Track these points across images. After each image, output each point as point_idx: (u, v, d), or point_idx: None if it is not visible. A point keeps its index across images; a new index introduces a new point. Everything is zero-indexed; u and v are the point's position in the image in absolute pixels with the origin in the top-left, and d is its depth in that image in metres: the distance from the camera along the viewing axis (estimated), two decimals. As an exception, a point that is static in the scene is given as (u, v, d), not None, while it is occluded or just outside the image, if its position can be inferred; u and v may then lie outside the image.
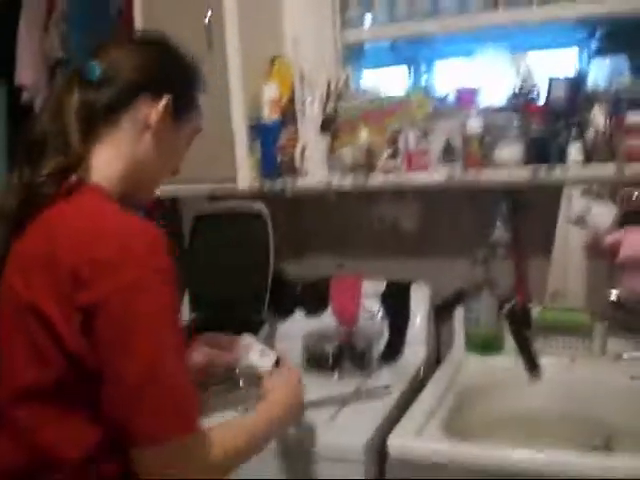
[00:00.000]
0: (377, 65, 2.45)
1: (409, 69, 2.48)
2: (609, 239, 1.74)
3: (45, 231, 1.15)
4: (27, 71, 2.59)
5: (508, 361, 1.92)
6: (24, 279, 1.13)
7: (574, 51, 2.31)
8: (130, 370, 1.06)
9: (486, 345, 1.98)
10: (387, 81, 2.28)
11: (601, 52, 2.04)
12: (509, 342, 1.96)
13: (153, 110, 1.24)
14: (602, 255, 1.79)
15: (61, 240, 1.11)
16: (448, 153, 1.83)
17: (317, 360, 1.88)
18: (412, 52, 2.34)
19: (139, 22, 2.08)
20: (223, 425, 1.22)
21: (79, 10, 2.54)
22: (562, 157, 1.79)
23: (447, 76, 2.25)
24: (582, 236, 1.83)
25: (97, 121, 1.21)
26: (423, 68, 2.37)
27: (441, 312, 2.11)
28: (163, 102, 1.24)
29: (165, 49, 1.30)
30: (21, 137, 1.27)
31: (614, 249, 1.73)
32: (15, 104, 2.67)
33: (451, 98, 2.03)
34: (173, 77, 1.28)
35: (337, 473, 1.51)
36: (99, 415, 1.10)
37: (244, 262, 2.07)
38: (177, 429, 1.08)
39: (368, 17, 2.20)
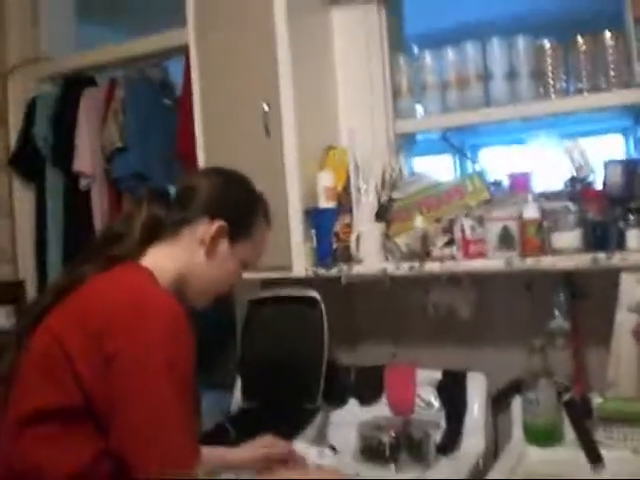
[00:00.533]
0: (428, 153, 2.49)
1: (459, 157, 2.51)
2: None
3: (80, 294, 1.34)
4: (85, 159, 2.67)
5: (569, 453, 1.86)
6: (58, 323, 1.30)
7: (620, 137, 2.33)
8: (138, 415, 1.20)
9: (546, 436, 1.92)
10: (437, 169, 2.29)
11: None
12: (569, 433, 1.90)
13: (209, 230, 1.44)
14: None
15: (93, 299, 1.31)
16: (505, 240, 1.82)
17: (373, 450, 1.84)
18: (463, 141, 2.36)
19: (197, 110, 2.13)
20: None
21: (136, 100, 2.62)
22: (621, 243, 1.77)
23: (498, 164, 2.26)
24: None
25: (161, 231, 1.45)
26: (474, 156, 2.39)
27: (498, 402, 2.06)
28: (217, 224, 1.44)
29: (231, 181, 1.53)
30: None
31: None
32: (72, 191, 2.75)
33: (504, 184, 2.04)
34: (232, 206, 1.48)
35: None
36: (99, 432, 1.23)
37: (298, 349, 2.07)
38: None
39: (419, 107, 2.23)
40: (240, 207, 1.50)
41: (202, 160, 2.16)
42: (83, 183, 2.70)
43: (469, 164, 2.34)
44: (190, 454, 1.23)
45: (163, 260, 1.43)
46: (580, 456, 1.81)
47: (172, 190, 1.51)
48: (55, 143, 2.79)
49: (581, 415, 1.89)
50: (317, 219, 2.00)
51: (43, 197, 2.86)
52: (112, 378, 1.21)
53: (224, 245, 1.46)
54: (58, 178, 2.82)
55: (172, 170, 2.52)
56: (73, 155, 2.70)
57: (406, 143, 2.28)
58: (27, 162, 2.90)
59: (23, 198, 2.99)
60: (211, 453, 1.67)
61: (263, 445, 1.71)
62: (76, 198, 2.74)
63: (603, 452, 1.80)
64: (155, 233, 1.45)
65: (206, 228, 1.44)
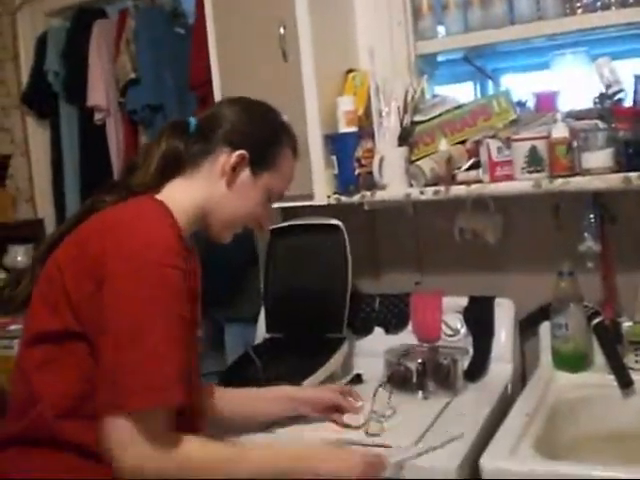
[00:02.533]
0: (450, 81, 2.42)
1: (481, 83, 2.44)
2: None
3: (89, 223, 1.35)
4: (99, 93, 2.64)
5: (598, 377, 1.84)
6: (63, 251, 1.33)
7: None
8: (113, 336, 1.20)
9: (575, 361, 1.90)
10: (460, 95, 2.22)
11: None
12: (598, 358, 1.88)
13: (228, 160, 1.42)
14: None
15: (95, 225, 1.33)
16: (533, 161, 1.76)
17: (400, 378, 1.81)
18: (485, 65, 2.29)
19: (212, 36, 2.07)
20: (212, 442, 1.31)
21: (148, 30, 2.56)
22: (655, 162, 1.72)
23: (522, 87, 2.19)
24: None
25: (181, 163, 1.44)
26: (497, 80, 2.32)
27: (526, 327, 2.03)
28: (237, 154, 1.42)
29: (254, 111, 1.49)
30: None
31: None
32: (87, 125, 2.71)
33: (530, 105, 1.98)
34: (255, 135, 1.45)
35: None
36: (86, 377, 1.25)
37: (321, 279, 2.03)
38: (142, 401, 1.18)
39: (441, 28, 2.16)
40: (264, 137, 1.47)
41: (217, 88, 2.10)
42: (97, 117, 2.67)
43: (492, 88, 2.27)
44: (174, 390, 1.20)
45: (182, 193, 1.42)
46: (610, 380, 1.79)
47: (192, 122, 1.47)
48: (67, 78, 2.76)
49: (611, 339, 1.86)
50: (338, 144, 1.95)
51: (58, 134, 2.85)
52: (102, 300, 1.22)
53: (246, 175, 1.44)
54: (72, 113, 2.80)
55: (187, 100, 2.48)
56: (86, 89, 2.67)
57: (428, 65, 2.20)
58: (40, 98, 2.87)
59: (38, 135, 2.97)
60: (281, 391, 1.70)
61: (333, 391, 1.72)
62: (91, 133, 2.72)
63: (633, 376, 1.78)
64: (174, 166, 1.43)
65: (227, 158, 1.42)
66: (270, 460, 1.35)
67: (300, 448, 1.43)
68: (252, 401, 1.68)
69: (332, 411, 1.68)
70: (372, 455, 1.43)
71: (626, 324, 1.88)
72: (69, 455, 1.25)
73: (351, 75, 2.06)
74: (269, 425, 1.67)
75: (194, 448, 1.26)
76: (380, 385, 1.69)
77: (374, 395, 1.63)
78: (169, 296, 1.23)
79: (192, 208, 1.42)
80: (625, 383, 1.77)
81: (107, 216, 1.35)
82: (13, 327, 2.38)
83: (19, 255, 2.89)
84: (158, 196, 1.40)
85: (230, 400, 1.66)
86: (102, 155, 2.69)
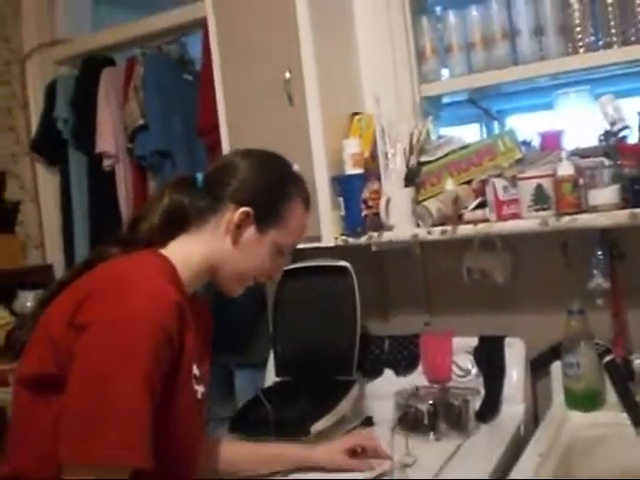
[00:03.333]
0: (456, 123, 2.44)
1: (486, 124, 2.46)
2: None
3: (89, 274, 1.34)
4: (108, 139, 2.66)
5: (612, 416, 1.82)
6: (60, 300, 1.31)
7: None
8: (80, 386, 1.17)
9: (587, 400, 1.88)
10: (465, 136, 2.24)
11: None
12: (611, 396, 1.86)
13: (232, 217, 1.40)
14: None
15: (93, 277, 1.32)
16: (540, 199, 1.77)
17: (411, 420, 1.80)
18: (489, 107, 2.31)
19: (218, 82, 2.09)
20: None
21: (155, 77, 2.59)
22: (660, 199, 1.72)
23: (527, 127, 2.21)
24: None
25: (187, 218, 1.42)
26: (502, 121, 2.34)
27: (537, 367, 2.02)
28: (241, 211, 1.40)
29: (262, 165, 1.46)
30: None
31: None
32: (96, 172, 2.73)
33: (535, 144, 1.99)
34: (260, 191, 1.43)
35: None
36: None
37: (330, 321, 2.02)
38: (104, 454, 1.14)
39: (445, 71, 2.18)
40: (270, 192, 1.44)
41: (225, 134, 2.12)
42: (106, 163, 2.70)
43: (497, 129, 2.29)
44: (140, 451, 1.16)
45: (186, 249, 1.41)
46: (623, 419, 1.77)
47: (199, 177, 1.47)
48: (77, 125, 2.79)
49: (623, 377, 1.85)
50: (345, 186, 1.96)
51: (67, 180, 2.87)
52: (76, 349, 1.19)
53: (251, 232, 1.42)
54: (81, 160, 2.82)
55: (196, 147, 2.50)
56: (95, 136, 2.69)
57: (432, 107, 2.23)
58: (50, 146, 2.90)
59: (47, 182, 3.00)
60: (290, 451, 1.69)
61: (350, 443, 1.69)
62: (100, 179, 2.74)
63: (647, 414, 1.76)
64: (179, 221, 1.43)
65: (231, 215, 1.40)
66: None
67: None
68: (257, 456, 1.66)
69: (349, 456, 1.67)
70: None
71: (637, 361, 1.86)
72: None
73: (357, 118, 2.08)
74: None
75: None
76: (393, 430, 1.67)
77: (392, 441, 1.61)
78: (145, 353, 1.18)
79: (197, 264, 1.41)
80: (638, 421, 1.75)
81: (104, 268, 1.35)
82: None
83: (28, 301, 2.89)
84: (162, 251, 1.39)
85: (235, 453, 1.65)
86: (111, 201, 2.71)
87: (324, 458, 1.66)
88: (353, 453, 1.66)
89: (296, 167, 1.53)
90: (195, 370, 1.34)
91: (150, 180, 2.65)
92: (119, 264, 1.35)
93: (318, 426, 1.79)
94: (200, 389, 1.37)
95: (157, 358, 1.20)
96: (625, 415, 1.78)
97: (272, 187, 1.45)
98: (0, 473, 1.30)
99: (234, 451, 1.65)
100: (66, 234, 2.89)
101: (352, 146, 1.99)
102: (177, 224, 1.43)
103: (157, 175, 2.61)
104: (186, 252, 1.40)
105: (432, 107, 2.24)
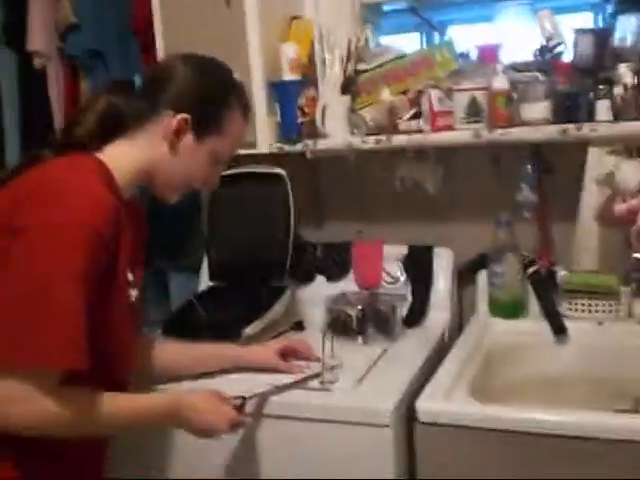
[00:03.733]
0: (396, 31, 2.41)
1: (426, 34, 2.44)
2: (622, 207, 1.72)
3: (21, 178, 1.32)
4: (39, 37, 2.56)
5: (533, 325, 1.89)
6: None
7: (590, 15, 2.27)
8: (12, 287, 1.17)
9: (510, 309, 1.95)
10: (405, 46, 2.22)
11: (625, 11, 1.99)
12: (533, 306, 1.93)
13: (171, 124, 1.38)
14: (615, 223, 1.76)
15: (28, 180, 1.30)
16: (473, 112, 1.79)
17: (341, 325, 1.84)
18: (430, 17, 2.29)
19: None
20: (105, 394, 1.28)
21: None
22: (590, 115, 1.75)
23: (466, 39, 2.20)
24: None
25: (123, 122, 1.40)
26: (443, 32, 2.32)
27: (464, 276, 2.07)
28: (178, 118, 1.38)
29: (202, 72, 1.43)
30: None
31: (630, 217, 1.70)
32: (27, 71, 2.65)
33: (472, 56, 1.99)
34: (199, 98, 1.41)
35: (367, 438, 1.48)
36: None
37: (264, 228, 2.03)
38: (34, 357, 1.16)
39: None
40: (209, 99, 1.42)
41: (159, 33, 2.06)
42: (37, 62, 2.60)
43: (438, 40, 2.27)
44: (67, 353, 1.18)
45: (123, 153, 1.39)
46: (545, 328, 1.85)
47: (137, 81, 1.44)
48: (6, 22, 2.67)
49: (546, 287, 1.91)
50: (281, 92, 1.94)
51: (-4, 79, 2.76)
52: (10, 252, 1.19)
53: (189, 139, 1.40)
54: (12, 59, 2.71)
55: (128, 46, 2.43)
56: (25, 34, 2.60)
57: (373, 14, 2.20)
58: (-22, 42, 2.78)
59: (-25, 81, 2.88)
60: (224, 351, 1.70)
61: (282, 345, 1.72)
62: (31, 79, 2.65)
63: (569, 324, 1.84)
64: (115, 124, 1.40)
65: (169, 122, 1.38)
66: (144, 410, 1.35)
67: (177, 398, 1.41)
68: (193, 357, 1.68)
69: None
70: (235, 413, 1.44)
71: (561, 273, 1.92)
72: None
73: (295, 22, 2.05)
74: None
75: (70, 408, 1.22)
76: (324, 335, 1.70)
77: (323, 346, 1.63)
78: (80, 257, 1.18)
79: (133, 169, 1.40)
80: (559, 329, 1.83)
81: (39, 171, 1.33)
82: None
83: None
84: (98, 155, 1.37)
85: (170, 354, 1.66)
86: (42, 101, 2.63)
87: (258, 359, 1.69)
88: (284, 356, 1.71)
89: (236, 75, 1.51)
90: (129, 275, 1.35)
91: (82, 80, 2.57)
92: (55, 167, 1.33)
93: (250, 330, 1.82)
94: (134, 293, 1.38)
95: (92, 262, 1.20)
96: (546, 324, 1.85)
97: (211, 95, 1.42)
98: None
99: (170, 352, 1.67)
100: (-4, 134, 2.81)
101: (290, 51, 1.97)
102: (113, 128, 1.40)
103: (90, 75, 2.53)
104: (122, 157, 1.39)
105: (372, 14, 2.21)
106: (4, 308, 1.18)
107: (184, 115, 1.38)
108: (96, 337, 1.21)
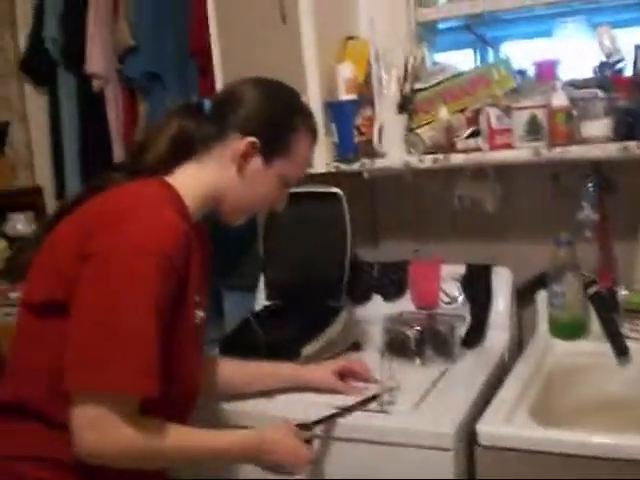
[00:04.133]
0: (451, 48, 2.41)
1: (481, 51, 2.43)
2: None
3: (93, 201, 1.35)
4: (97, 60, 2.61)
5: (595, 346, 1.86)
6: (63, 228, 1.33)
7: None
8: (86, 313, 1.19)
9: (571, 329, 1.92)
10: (460, 63, 2.21)
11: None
12: (595, 327, 1.89)
13: (239, 147, 1.39)
14: None
15: (97, 205, 1.33)
16: (533, 130, 1.76)
17: (398, 345, 1.83)
18: (485, 34, 2.28)
19: (211, 4, 2.05)
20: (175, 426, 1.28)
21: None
22: (653, 132, 1.72)
23: (522, 56, 2.18)
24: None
25: (192, 147, 1.41)
26: (497, 48, 2.31)
27: (523, 296, 2.04)
28: (247, 141, 1.39)
29: (270, 94, 1.45)
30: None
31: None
32: (85, 93, 2.70)
33: (530, 73, 1.97)
34: (268, 121, 1.42)
35: (427, 461, 1.47)
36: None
37: (320, 247, 2.03)
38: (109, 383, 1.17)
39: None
40: (277, 122, 1.43)
41: (217, 54, 2.08)
42: (96, 84, 2.65)
43: (492, 56, 2.26)
44: (149, 381, 1.19)
45: (192, 177, 1.41)
46: (606, 349, 1.81)
47: (206, 103, 1.45)
48: (66, 44, 2.73)
49: (607, 308, 1.88)
50: (338, 112, 1.95)
51: (57, 101, 2.82)
52: (82, 275, 1.20)
53: (257, 163, 1.41)
54: (71, 81, 2.76)
55: (186, 68, 2.46)
56: (85, 56, 2.65)
57: (428, 33, 2.19)
58: (38, 66, 2.84)
59: (36, 103, 2.94)
60: (283, 370, 1.71)
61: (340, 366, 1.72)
62: (90, 101, 2.70)
63: (629, 344, 1.80)
64: (185, 148, 1.42)
65: (237, 145, 1.39)
66: (218, 448, 1.36)
67: (250, 435, 1.42)
68: (252, 374, 1.69)
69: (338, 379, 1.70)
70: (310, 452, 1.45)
71: (622, 293, 1.89)
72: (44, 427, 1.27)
73: (351, 42, 2.05)
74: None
75: (150, 441, 1.24)
76: (382, 356, 1.69)
77: (381, 367, 1.62)
78: (153, 283, 1.19)
79: (202, 194, 1.41)
80: (621, 351, 1.79)
81: (111, 197, 1.35)
82: (14, 295, 2.39)
83: (18, 223, 2.89)
84: (168, 179, 1.39)
85: (230, 371, 1.66)
86: (101, 123, 2.68)
87: (316, 378, 1.69)
88: (342, 376, 1.70)
89: (304, 98, 1.52)
90: (196, 296, 1.35)
91: (140, 102, 2.61)
92: (126, 192, 1.35)
93: (308, 349, 1.82)
94: (200, 314, 1.38)
95: (164, 288, 1.21)
96: (608, 345, 1.81)
97: (280, 118, 1.44)
98: (2, 397, 1.32)
99: (229, 369, 1.67)
100: (56, 155, 2.86)
101: (346, 71, 1.96)
102: (183, 152, 1.42)
103: (147, 97, 2.57)
104: (191, 181, 1.40)
105: (428, 33, 2.20)
106: (79, 334, 1.19)
107: (252, 138, 1.39)
108: (165, 360, 1.22)
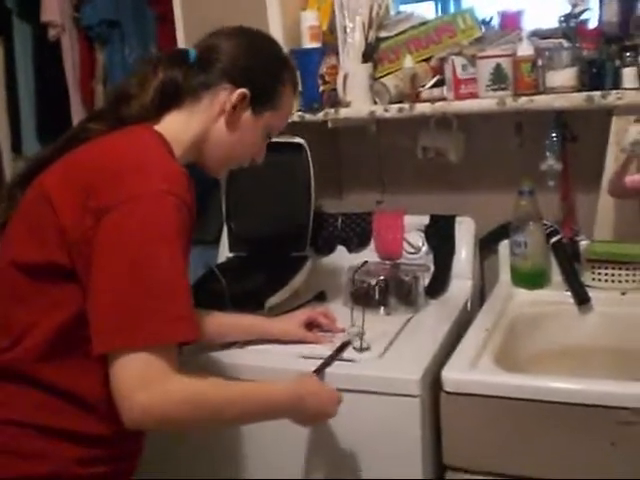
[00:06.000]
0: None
1: (444, 2, 2.41)
2: (634, 179, 1.71)
3: (80, 151, 1.30)
4: (53, 8, 2.54)
5: (556, 294, 1.88)
6: (50, 179, 1.27)
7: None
8: (113, 268, 1.14)
9: (533, 278, 1.93)
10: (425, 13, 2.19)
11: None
12: (556, 276, 1.92)
13: (229, 98, 1.36)
14: (627, 194, 1.76)
15: (87, 156, 1.28)
16: (498, 79, 1.76)
17: (362, 295, 1.83)
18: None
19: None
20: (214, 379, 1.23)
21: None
22: (616, 83, 1.73)
23: (488, 5, 2.17)
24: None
25: (181, 95, 1.37)
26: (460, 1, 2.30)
27: (486, 246, 2.06)
28: (238, 93, 1.36)
29: (257, 45, 1.43)
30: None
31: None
32: (42, 43, 2.64)
33: (494, 23, 1.96)
34: (257, 72, 1.39)
35: (394, 408, 1.48)
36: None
37: (284, 197, 2.01)
38: (149, 336, 1.11)
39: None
40: (266, 74, 1.41)
41: (177, 4, 2.04)
42: (52, 33, 2.59)
43: (453, 7, 2.25)
44: (187, 324, 1.15)
45: (179, 126, 1.37)
46: (567, 297, 1.84)
47: (192, 52, 1.41)
48: (21, -8, 2.66)
49: (569, 257, 1.90)
50: (302, 60, 1.91)
51: (12, 51, 2.75)
52: (97, 235, 1.15)
53: (246, 114, 1.39)
54: (26, 30, 2.70)
55: (145, 16, 2.41)
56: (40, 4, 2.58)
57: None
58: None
59: (-10, 53, 2.87)
60: (249, 321, 1.70)
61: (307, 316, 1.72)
62: (46, 51, 2.64)
63: (592, 294, 1.82)
64: (171, 98, 1.38)
65: (227, 96, 1.36)
66: (273, 398, 1.33)
67: (291, 387, 1.37)
68: (218, 326, 1.66)
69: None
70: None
71: (584, 242, 1.91)
72: (44, 395, 1.23)
73: (315, -11, 2.02)
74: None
75: (206, 386, 1.20)
76: (346, 304, 1.69)
77: (352, 314, 1.64)
78: (171, 225, 1.16)
79: (189, 142, 1.37)
80: (582, 300, 1.82)
81: (101, 146, 1.30)
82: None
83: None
84: (156, 127, 1.35)
85: (222, 324, 1.65)
86: (57, 73, 2.62)
87: (284, 330, 1.69)
88: (309, 326, 1.70)
89: (285, 51, 1.51)
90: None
91: (98, 51, 2.56)
92: (122, 142, 1.31)
93: (273, 300, 1.82)
94: None
95: (184, 232, 1.19)
96: (569, 294, 1.84)
97: (269, 70, 1.42)
98: None
99: (221, 322, 1.65)
100: (11, 106, 2.80)
101: (310, 19, 1.94)
102: (170, 100, 1.38)
103: (105, 46, 2.52)
104: (179, 129, 1.37)
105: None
106: (109, 291, 1.14)
107: (243, 90, 1.36)
108: None
